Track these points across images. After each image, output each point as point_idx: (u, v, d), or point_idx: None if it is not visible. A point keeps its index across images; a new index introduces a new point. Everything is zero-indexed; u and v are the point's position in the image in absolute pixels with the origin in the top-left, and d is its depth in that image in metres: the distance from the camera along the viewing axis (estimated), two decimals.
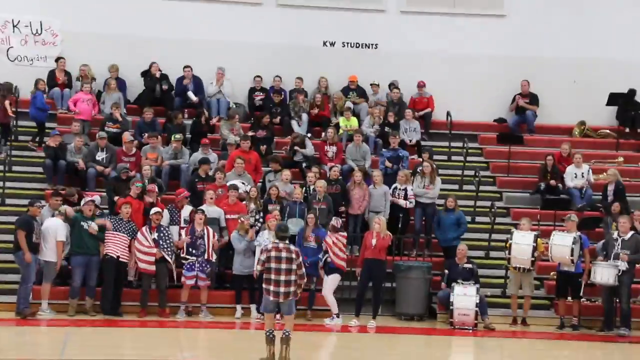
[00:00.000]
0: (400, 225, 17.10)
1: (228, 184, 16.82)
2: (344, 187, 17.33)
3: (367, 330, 15.41)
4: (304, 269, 11.84)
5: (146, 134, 18.18)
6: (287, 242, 11.86)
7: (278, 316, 12.77)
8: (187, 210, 16.17)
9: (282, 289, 11.67)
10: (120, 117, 18.72)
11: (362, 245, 15.93)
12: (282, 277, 11.66)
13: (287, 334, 11.77)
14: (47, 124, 19.08)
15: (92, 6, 20.34)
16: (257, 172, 17.75)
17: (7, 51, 20.28)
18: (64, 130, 18.57)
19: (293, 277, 11.65)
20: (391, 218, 17.13)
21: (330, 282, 15.68)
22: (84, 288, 15.42)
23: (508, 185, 19.70)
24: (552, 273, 16.77)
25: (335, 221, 15.87)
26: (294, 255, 11.67)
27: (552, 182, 18.63)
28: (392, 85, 20.47)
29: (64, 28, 20.33)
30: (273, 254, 11.70)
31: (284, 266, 11.65)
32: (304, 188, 17.00)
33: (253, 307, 15.72)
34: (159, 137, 18.21)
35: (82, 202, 15.67)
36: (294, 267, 11.65)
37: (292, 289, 11.69)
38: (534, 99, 20.98)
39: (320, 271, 15.78)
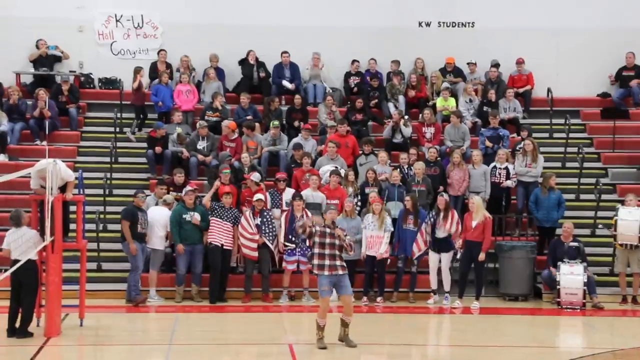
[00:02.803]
0: (504, 204, 16.93)
1: (320, 169, 16.90)
2: (442, 169, 17.19)
3: (471, 311, 15.30)
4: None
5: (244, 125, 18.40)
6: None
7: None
8: (288, 193, 16.32)
9: None
10: (220, 105, 19.01)
11: (463, 226, 15.79)
12: None
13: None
14: (150, 115, 19.64)
15: None
16: (354, 156, 17.76)
17: (111, 45, 20.85)
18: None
19: None
20: (492, 198, 16.96)
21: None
22: (190, 275, 15.78)
23: (613, 161, 19.21)
24: None
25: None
26: None
27: None
28: (494, 64, 20.12)
29: (164, 20, 20.77)
30: None
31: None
32: (401, 170, 16.94)
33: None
34: (255, 125, 18.39)
35: (184, 192, 16.00)
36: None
37: None
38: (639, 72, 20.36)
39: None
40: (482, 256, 15.38)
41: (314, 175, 16.44)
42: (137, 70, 19.66)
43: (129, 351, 12.46)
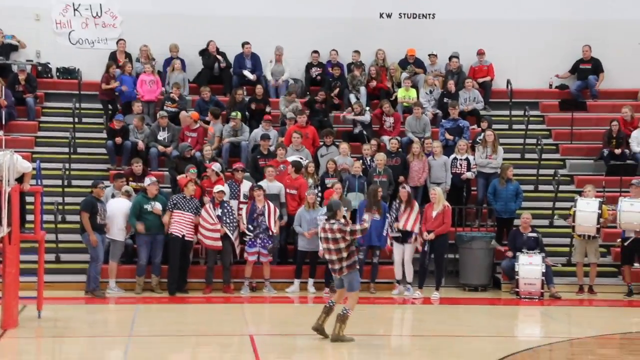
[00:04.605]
0: (465, 195, 17.03)
1: (288, 159, 16.91)
2: (403, 159, 17.26)
3: (431, 301, 15.39)
4: (355, 228, 11.66)
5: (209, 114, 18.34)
6: (332, 221, 11.74)
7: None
8: (246, 185, 16.29)
9: (335, 266, 11.78)
10: (178, 97, 18.86)
11: (423, 217, 15.84)
12: (328, 256, 11.81)
13: (344, 311, 11.80)
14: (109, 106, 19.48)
15: None
16: (314, 147, 17.79)
17: (69, 34, 20.59)
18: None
19: (334, 257, 11.67)
20: (452, 189, 17.07)
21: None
22: (150, 266, 15.68)
23: (571, 152, 19.43)
24: (618, 240, 16.49)
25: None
26: (337, 235, 11.63)
27: (617, 150, 18.37)
28: (454, 55, 20.18)
29: (123, 9, 20.56)
30: (321, 234, 11.86)
31: (331, 246, 11.67)
32: (363, 161, 16.98)
33: (311, 281, 15.82)
34: (220, 113, 18.33)
35: (146, 182, 15.87)
36: (342, 245, 11.62)
37: (337, 266, 11.72)
38: (596, 64, 20.59)
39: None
40: (430, 235, 15.41)
41: (270, 167, 16.39)
42: (110, 65, 19.36)
43: (88, 343, 12.35)
